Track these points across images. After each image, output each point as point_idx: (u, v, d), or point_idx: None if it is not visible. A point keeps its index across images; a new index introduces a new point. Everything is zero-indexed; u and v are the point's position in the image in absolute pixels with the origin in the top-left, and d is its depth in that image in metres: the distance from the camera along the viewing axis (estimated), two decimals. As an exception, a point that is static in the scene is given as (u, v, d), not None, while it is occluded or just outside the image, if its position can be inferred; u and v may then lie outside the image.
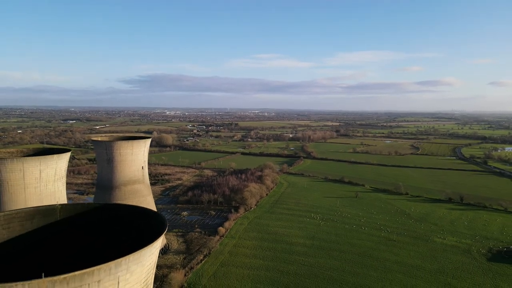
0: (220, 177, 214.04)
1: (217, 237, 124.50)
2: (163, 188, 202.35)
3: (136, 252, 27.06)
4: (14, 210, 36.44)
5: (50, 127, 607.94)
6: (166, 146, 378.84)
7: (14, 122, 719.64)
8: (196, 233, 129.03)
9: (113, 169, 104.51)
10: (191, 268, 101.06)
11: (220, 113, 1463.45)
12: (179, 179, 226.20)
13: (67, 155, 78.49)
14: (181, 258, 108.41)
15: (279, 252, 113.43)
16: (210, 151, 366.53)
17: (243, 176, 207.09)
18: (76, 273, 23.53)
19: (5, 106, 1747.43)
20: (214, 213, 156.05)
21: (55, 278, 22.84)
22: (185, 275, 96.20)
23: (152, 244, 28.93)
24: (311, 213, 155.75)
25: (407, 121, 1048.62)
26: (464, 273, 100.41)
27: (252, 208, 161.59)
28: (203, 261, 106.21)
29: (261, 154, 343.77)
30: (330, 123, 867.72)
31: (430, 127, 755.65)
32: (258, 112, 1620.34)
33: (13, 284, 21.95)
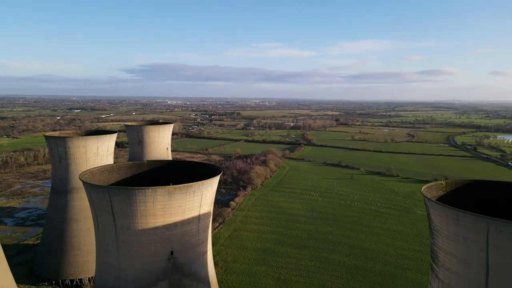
0: (227, 161, 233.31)
1: (229, 209, 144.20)
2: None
3: (210, 179, 46.27)
4: (121, 163, 55.73)
5: (58, 116, 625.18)
6: (173, 133, 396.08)
7: (21, 111, 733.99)
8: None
9: (143, 149, 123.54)
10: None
11: (221, 103, 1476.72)
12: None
13: (115, 135, 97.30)
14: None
15: (283, 221, 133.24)
16: (216, 138, 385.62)
17: (249, 160, 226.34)
18: (185, 184, 42.55)
19: (8, 95, 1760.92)
20: (224, 191, 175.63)
21: (176, 186, 41.66)
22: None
23: (217, 175, 48.20)
24: (310, 191, 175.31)
25: (406, 110, 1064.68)
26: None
27: (258, 187, 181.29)
28: (219, 227, 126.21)
29: (264, 141, 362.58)
30: (330, 113, 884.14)
31: (428, 117, 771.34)
32: (259, 102, 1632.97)
33: (154, 187, 40.50)
